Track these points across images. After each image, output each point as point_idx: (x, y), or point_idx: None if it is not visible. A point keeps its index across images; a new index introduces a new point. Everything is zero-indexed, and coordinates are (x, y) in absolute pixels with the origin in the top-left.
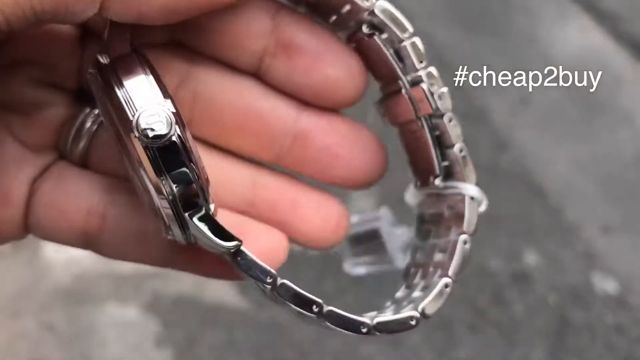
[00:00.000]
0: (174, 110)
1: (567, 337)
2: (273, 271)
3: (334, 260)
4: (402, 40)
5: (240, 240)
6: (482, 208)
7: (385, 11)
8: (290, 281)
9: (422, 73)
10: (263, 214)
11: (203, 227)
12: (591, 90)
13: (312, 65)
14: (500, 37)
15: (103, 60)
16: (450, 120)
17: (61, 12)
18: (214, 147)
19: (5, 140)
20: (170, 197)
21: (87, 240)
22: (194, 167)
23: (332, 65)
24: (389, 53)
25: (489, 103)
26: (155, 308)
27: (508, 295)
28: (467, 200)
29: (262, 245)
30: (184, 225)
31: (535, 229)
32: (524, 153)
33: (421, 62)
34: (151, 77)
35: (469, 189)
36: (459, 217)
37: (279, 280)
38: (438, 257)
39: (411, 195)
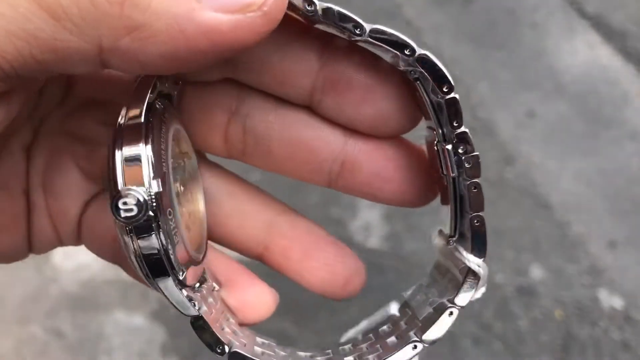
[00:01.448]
0: (157, 191)
1: (573, 352)
2: (224, 343)
3: None
4: (440, 95)
5: (197, 314)
6: (478, 294)
7: (425, 62)
8: (296, 293)
9: (453, 133)
10: (275, 260)
11: (168, 292)
12: (598, 105)
13: (362, 99)
14: (507, 52)
15: (120, 119)
16: (474, 188)
17: (61, 62)
18: (234, 189)
19: (70, 166)
20: (137, 260)
21: (115, 258)
22: (162, 241)
23: (382, 99)
24: (429, 101)
25: (496, 117)
26: (161, 316)
27: (513, 309)
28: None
29: (247, 299)
30: (153, 284)
31: (541, 243)
32: (530, 167)
33: (455, 122)
34: (149, 152)
35: (472, 262)
36: (456, 286)
37: (231, 350)
38: (425, 311)
39: (434, 237)
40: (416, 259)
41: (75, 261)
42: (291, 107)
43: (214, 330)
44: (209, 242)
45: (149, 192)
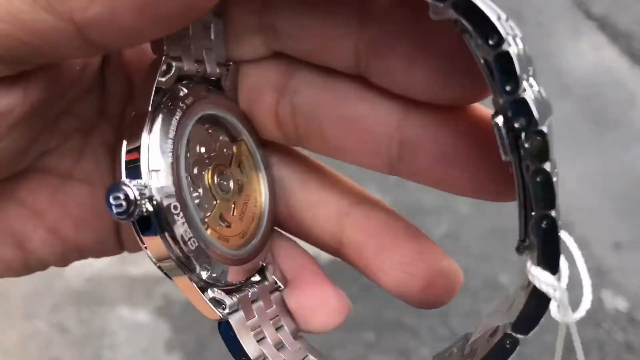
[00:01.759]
0: (160, 186)
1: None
2: (249, 357)
3: (345, 268)
4: (487, 49)
5: (220, 317)
6: (559, 315)
7: (463, 6)
8: None
9: (506, 102)
10: (350, 257)
11: (185, 291)
12: (603, 106)
13: (410, 59)
14: None
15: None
16: (539, 176)
17: (47, 44)
18: (308, 178)
19: (105, 172)
20: (148, 256)
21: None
22: (167, 236)
23: (434, 57)
24: (479, 60)
25: None
26: (166, 312)
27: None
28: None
29: (308, 302)
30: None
31: None
32: None
33: (507, 86)
34: (153, 143)
35: (536, 278)
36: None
37: None
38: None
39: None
40: None
41: None
42: (342, 79)
43: (238, 338)
44: (288, 235)
45: (144, 185)
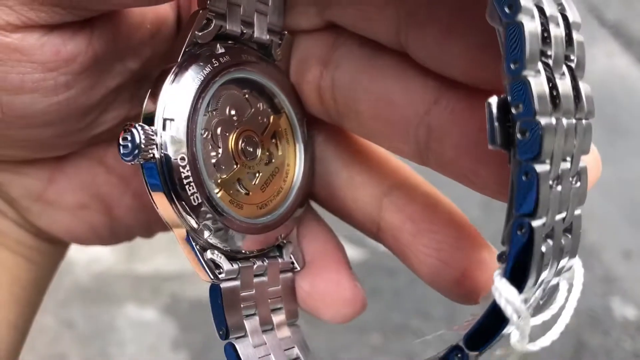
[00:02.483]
0: (171, 135)
1: None
2: (227, 327)
3: (354, 269)
4: (500, 17)
5: (211, 280)
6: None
7: None
8: None
9: (507, 81)
10: (388, 240)
11: (182, 245)
12: (615, 114)
13: (446, 31)
14: None
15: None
16: (526, 175)
17: None
18: (352, 159)
19: None
20: (151, 197)
21: None
22: (170, 185)
23: (471, 29)
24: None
25: None
26: (173, 310)
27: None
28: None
29: (321, 287)
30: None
31: None
32: None
33: (512, 64)
34: (172, 94)
35: (497, 290)
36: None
37: (228, 339)
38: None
39: None
40: None
41: (88, 253)
42: (384, 56)
43: (223, 307)
44: (322, 218)
45: (154, 132)
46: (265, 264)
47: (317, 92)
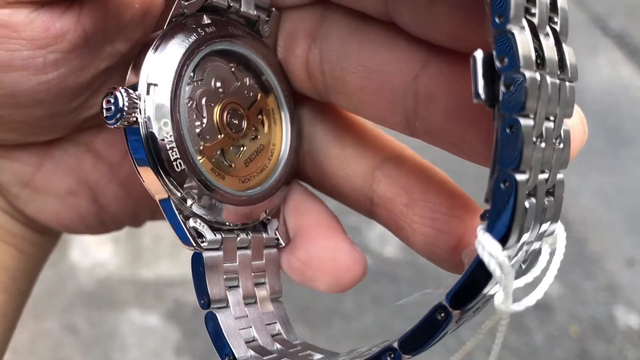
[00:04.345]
0: (154, 100)
1: None
2: (208, 297)
3: None
4: None
5: (199, 249)
6: (501, 302)
7: None
8: (310, 299)
9: (492, 35)
10: (382, 214)
11: (163, 210)
12: (619, 122)
13: None
14: None
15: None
16: (510, 128)
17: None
18: (342, 134)
19: None
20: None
21: None
22: (152, 150)
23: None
24: None
25: None
26: (176, 316)
27: (528, 323)
28: None
29: (316, 254)
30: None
31: None
32: None
33: (498, 17)
34: (154, 62)
35: (484, 244)
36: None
37: (209, 308)
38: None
39: None
40: (431, 270)
41: (91, 259)
42: (372, 27)
43: (205, 276)
44: (315, 194)
45: (138, 96)
46: (249, 237)
47: (305, 67)
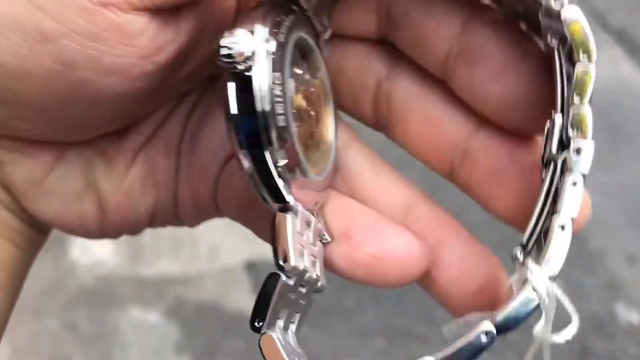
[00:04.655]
0: (272, 50)
1: None
2: (290, 255)
3: None
4: (573, 64)
5: (286, 205)
6: (543, 330)
7: (571, 22)
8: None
9: (572, 111)
10: None
11: (258, 164)
12: (619, 119)
13: (492, 74)
14: None
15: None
16: (574, 184)
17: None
18: (381, 161)
19: (217, 117)
20: (230, 124)
21: (246, 221)
22: (263, 105)
23: (512, 77)
24: (560, 71)
25: None
26: (177, 314)
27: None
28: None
29: (385, 245)
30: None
31: None
32: None
33: (580, 95)
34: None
35: (529, 271)
36: None
37: (286, 269)
38: None
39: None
40: None
41: (92, 256)
42: (431, 81)
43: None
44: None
45: (253, 52)
46: (311, 218)
47: (372, 101)
